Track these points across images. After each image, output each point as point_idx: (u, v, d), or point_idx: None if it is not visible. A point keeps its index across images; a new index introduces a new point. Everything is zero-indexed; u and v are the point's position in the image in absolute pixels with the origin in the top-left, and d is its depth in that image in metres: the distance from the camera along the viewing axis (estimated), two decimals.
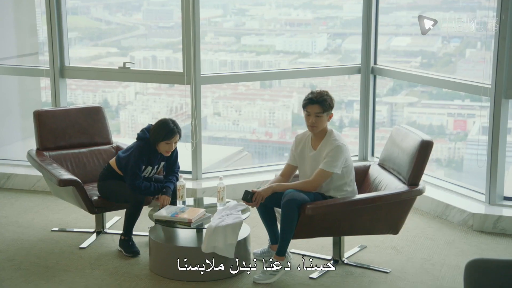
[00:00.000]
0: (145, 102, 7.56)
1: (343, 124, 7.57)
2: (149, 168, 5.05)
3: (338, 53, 7.45)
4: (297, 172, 4.87)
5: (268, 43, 7.41)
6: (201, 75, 6.19)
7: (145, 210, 5.10)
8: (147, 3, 7.31)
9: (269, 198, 4.62)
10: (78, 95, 7.54)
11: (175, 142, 4.97)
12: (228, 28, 7.39)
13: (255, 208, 4.77)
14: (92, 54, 7.44)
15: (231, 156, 7.27)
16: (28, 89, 7.51)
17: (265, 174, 6.38)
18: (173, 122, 4.95)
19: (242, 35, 7.36)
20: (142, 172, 4.98)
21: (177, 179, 5.08)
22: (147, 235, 5.03)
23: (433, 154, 6.46)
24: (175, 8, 6.10)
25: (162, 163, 5.12)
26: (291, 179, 4.87)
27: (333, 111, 4.70)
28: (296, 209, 4.44)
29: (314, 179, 4.57)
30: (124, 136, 7.42)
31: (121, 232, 5.10)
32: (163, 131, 4.90)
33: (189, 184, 6.20)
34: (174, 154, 5.12)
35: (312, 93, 4.67)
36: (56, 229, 5.55)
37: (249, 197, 4.60)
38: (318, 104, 4.61)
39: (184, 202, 5.00)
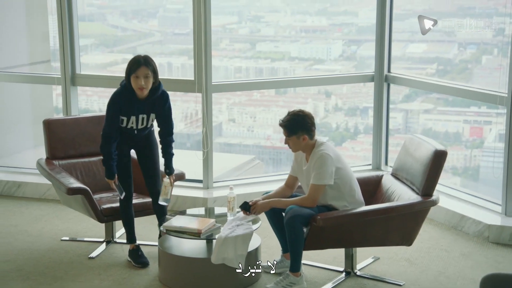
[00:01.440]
0: None
1: (358, 130, 7.52)
2: (133, 118, 4.76)
3: (353, 60, 7.42)
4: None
5: (283, 50, 7.40)
6: (213, 83, 6.13)
7: (154, 219, 5.06)
8: (163, 10, 7.32)
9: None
10: (94, 101, 7.55)
11: (146, 77, 4.62)
12: (243, 35, 7.39)
13: (265, 217, 4.75)
14: (108, 61, 7.46)
15: (243, 165, 7.23)
16: (39, 97, 7.52)
17: (276, 184, 6.24)
18: (145, 56, 4.68)
19: (257, 42, 7.36)
20: (119, 123, 4.75)
21: (173, 140, 4.91)
22: (156, 245, 4.97)
23: (449, 162, 6.39)
24: (191, 15, 6.08)
25: (152, 115, 4.82)
26: (295, 189, 4.83)
27: (309, 131, 4.54)
28: (300, 224, 4.40)
29: (309, 194, 4.51)
30: None
31: (123, 240, 5.04)
32: (130, 63, 4.66)
33: (199, 193, 6.16)
34: (166, 107, 4.81)
35: (287, 114, 4.61)
36: (66, 238, 5.52)
37: (247, 207, 4.65)
38: (283, 128, 4.59)
39: (167, 200, 4.89)
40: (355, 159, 7.25)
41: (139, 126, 4.83)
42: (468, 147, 6.86)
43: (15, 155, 7.20)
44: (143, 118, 4.80)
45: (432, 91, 6.55)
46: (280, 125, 4.60)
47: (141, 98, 4.74)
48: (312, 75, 7.07)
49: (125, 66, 4.72)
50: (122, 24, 7.48)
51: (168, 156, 4.93)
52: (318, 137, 4.64)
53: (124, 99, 4.73)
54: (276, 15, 7.39)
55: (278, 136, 7.43)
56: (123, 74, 4.74)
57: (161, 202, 4.89)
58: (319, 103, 7.55)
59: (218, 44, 6.69)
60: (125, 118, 4.77)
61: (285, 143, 4.63)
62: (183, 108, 7.43)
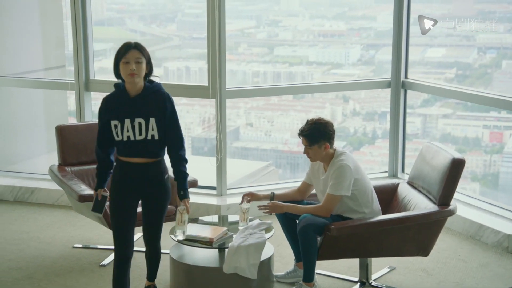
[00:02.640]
0: (178, 113, 7.53)
1: (376, 135, 7.47)
2: (127, 123, 3.99)
3: (371, 64, 7.37)
4: (314, 190, 4.76)
5: (301, 54, 7.38)
6: (227, 89, 6.07)
7: (168, 226, 5.00)
8: (181, 14, 7.32)
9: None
10: None
11: (137, 63, 3.97)
12: (261, 39, 7.39)
13: (278, 226, 4.71)
14: None
15: (258, 171, 7.18)
16: (54, 102, 7.52)
17: None
18: (136, 42, 4.07)
19: (275, 46, 7.36)
20: (109, 129, 4.06)
21: (185, 157, 4.15)
22: (168, 253, 4.91)
23: (468, 167, 6.29)
24: None
25: (152, 120, 4.02)
26: (307, 195, 4.78)
27: (330, 140, 4.48)
28: (313, 233, 4.33)
29: (324, 204, 4.44)
30: None
31: (141, 249, 4.96)
32: (118, 49, 4.03)
33: (213, 200, 6.11)
34: (169, 110, 4.08)
35: (306, 123, 4.53)
36: (78, 245, 5.49)
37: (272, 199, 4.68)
38: (304, 137, 4.51)
39: (184, 233, 4.35)
40: (372, 164, 7.20)
41: (137, 137, 4.03)
42: (487, 153, 6.78)
43: (29, 161, 7.22)
44: (140, 124, 4.02)
45: (450, 97, 6.45)
46: (301, 135, 4.50)
47: (133, 94, 4.04)
48: (330, 79, 7.01)
49: None
50: (141, 28, 7.50)
51: (181, 175, 4.13)
52: (337, 146, 4.57)
53: (115, 99, 4.08)
54: (294, 20, 7.38)
55: (295, 141, 7.40)
56: None
57: (177, 237, 4.44)
58: (337, 108, 7.51)
59: (236, 48, 6.66)
60: (118, 124, 4.02)
61: (305, 152, 4.54)
62: (201, 112, 7.43)
